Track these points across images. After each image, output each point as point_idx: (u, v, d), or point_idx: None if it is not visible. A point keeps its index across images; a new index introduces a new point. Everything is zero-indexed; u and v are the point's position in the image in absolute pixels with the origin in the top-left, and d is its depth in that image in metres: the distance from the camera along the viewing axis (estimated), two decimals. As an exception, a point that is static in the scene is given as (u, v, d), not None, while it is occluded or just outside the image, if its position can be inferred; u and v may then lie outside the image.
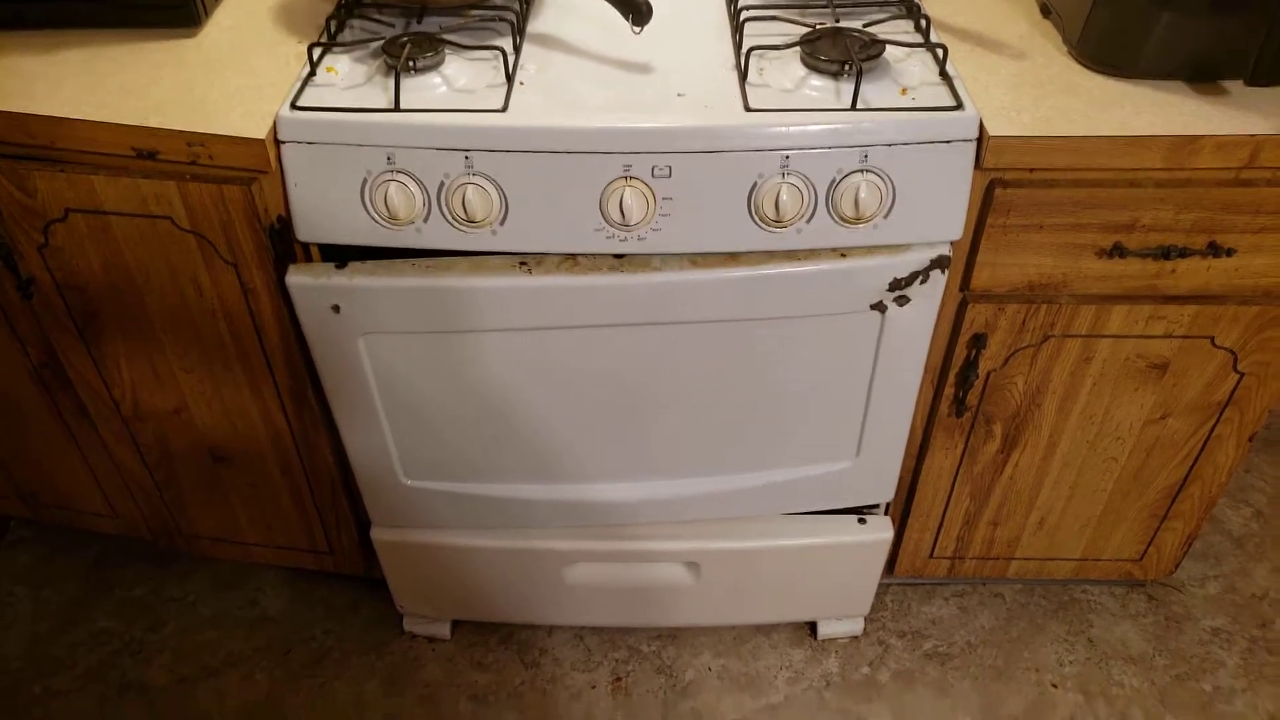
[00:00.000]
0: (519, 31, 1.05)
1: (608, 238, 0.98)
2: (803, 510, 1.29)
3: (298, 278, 1.00)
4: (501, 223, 0.97)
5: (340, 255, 1.02)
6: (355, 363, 1.07)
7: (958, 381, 1.13)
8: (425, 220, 0.97)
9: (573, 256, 1.01)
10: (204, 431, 1.22)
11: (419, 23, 1.06)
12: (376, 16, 1.07)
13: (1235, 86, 0.97)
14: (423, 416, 1.14)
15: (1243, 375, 1.11)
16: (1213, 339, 1.08)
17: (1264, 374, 1.11)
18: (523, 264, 1.01)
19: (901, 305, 1.03)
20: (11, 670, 1.44)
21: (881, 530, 1.30)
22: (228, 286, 1.05)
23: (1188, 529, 1.32)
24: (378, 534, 1.30)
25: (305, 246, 1.02)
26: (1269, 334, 1.07)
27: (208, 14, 1.10)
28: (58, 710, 1.39)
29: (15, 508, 1.46)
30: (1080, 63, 1.02)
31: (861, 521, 1.30)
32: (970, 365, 1.11)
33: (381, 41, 1.01)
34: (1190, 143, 0.93)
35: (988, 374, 1.12)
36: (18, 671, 1.44)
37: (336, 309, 1.02)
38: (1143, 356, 1.10)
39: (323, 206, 0.97)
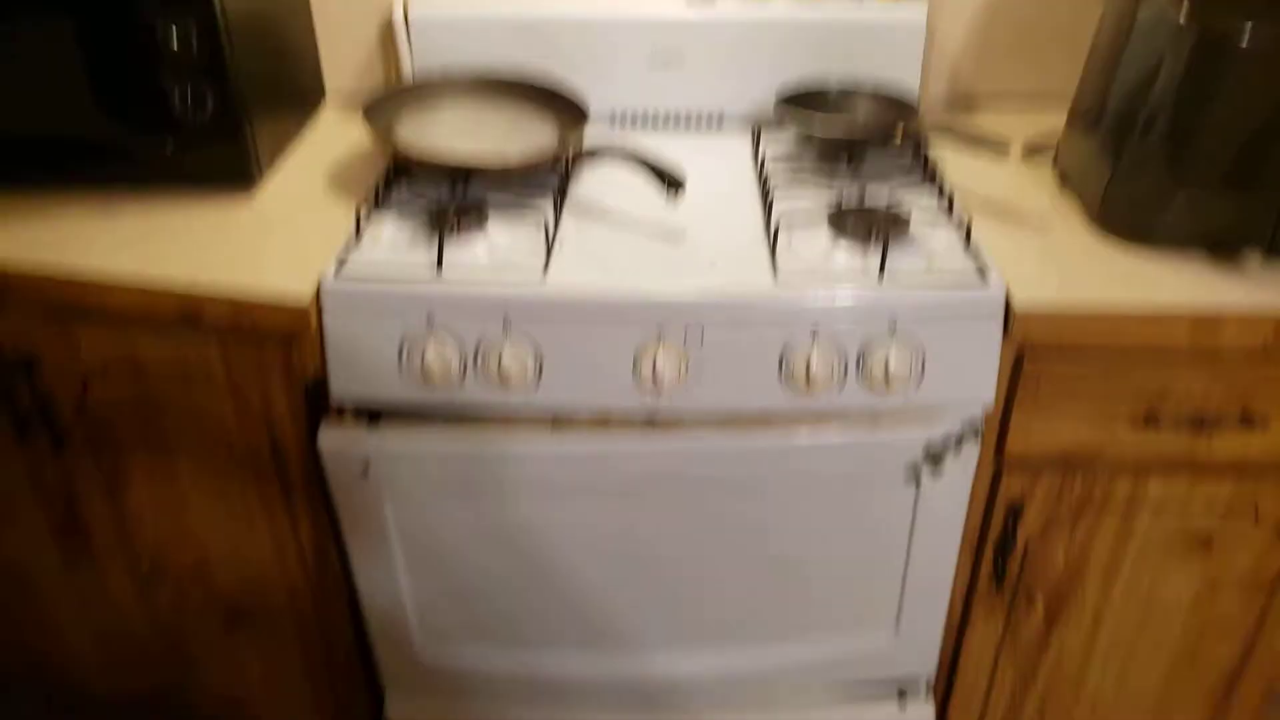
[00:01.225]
0: (560, 199, 1.13)
1: (640, 399, 1.02)
2: (841, 682, 1.26)
3: (330, 438, 1.04)
4: (536, 384, 1.01)
5: (372, 413, 1.06)
6: (381, 524, 1.09)
7: (996, 552, 1.14)
8: (460, 382, 1.01)
9: (604, 418, 1.05)
10: (220, 590, 1.23)
11: (465, 189, 1.14)
12: (423, 183, 1.15)
13: (1254, 258, 1.02)
14: (446, 579, 1.14)
15: (1291, 550, 1.13)
16: (1256, 513, 1.09)
17: (1313, 549, 1.13)
18: (554, 424, 1.05)
19: (936, 473, 1.05)
20: None
21: (922, 713, 1.27)
22: (259, 443, 1.08)
23: (1251, 714, 1.29)
24: (393, 707, 1.27)
25: (339, 406, 1.06)
26: (1314, 508, 1.09)
27: (264, 176, 1.18)
28: None
29: (12, 667, 1.46)
30: (1100, 234, 1.08)
31: (901, 705, 1.27)
32: (1009, 535, 1.12)
33: (427, 206, 1.09)
34: (1214, 320, 0.97)
35: (1026, 544, 1.13)
36: None
37: (365, 470, 1.05)
38: (1185, 530, 1.11)
39: (359, 367, 1.02)
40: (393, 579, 1.14)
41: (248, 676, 1.33)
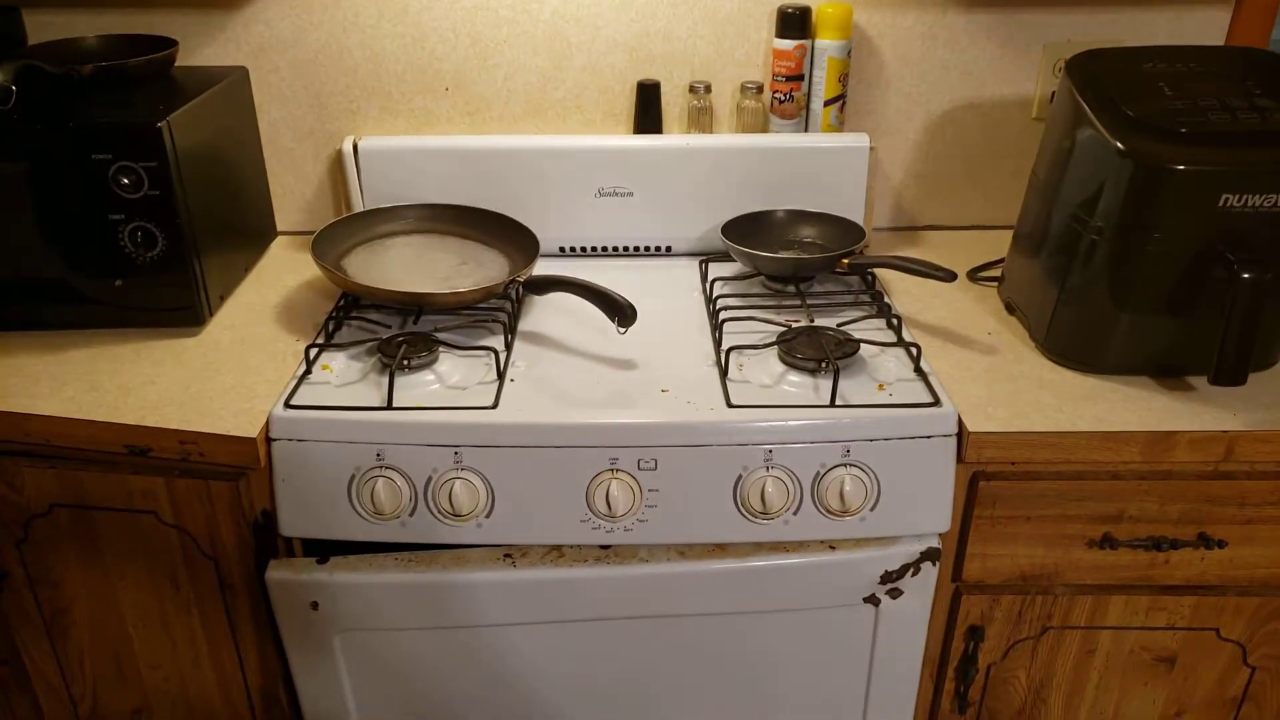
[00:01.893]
0: (511, 330, 1.11)
1: (594, 529, 0.99)
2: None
3: (278, 573, 1.00)
4: (487, 515, 0.99)
5: (322, 547, 1.03)
6: (330, 659, 1.05)
7: (957, 676, 1.11)
8: (411, 514, 0.99)
9: (558, 548, 1.02)
10: (164, 731, 1.18)
11: (415, 322, 1.13)
12: (374, 316, 1.14)
13: (1201, 381, 1.02)
14: (395, 713, 1.09)
15: (1254, 669, 1.09)
16: (1218, 631, 1.07)
17: (1277, 668, 1.09)
18: (507, 556, 1.01)
19: (894, 598, 1.03)
20: None
21: (890, 839, 1.22)
22: (205, 581, 1.05)
23: (1222, 832, 1.25)
24: (343, 846, 1.22)
25: (288, 540, 1.03)
26: (1274, 626, 1.06)
27: (212, 313, 1.17)
28: None
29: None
30: (1049, 358, 1.08)
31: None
32: (969, 658, 1.09)
33: (378, 340, 1.07)
34: (1166, 438, 0.96)
35: (988, 667, 1.10)
36: None
37: (315, 605, 1.01)
38: (1148, 649, 1.09)
39: (309, 501, 0.99)
40: (342, 711, 1.09)
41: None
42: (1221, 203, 0.93)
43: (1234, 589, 1.05)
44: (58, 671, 1.14)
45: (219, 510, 1.00)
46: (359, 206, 1.32)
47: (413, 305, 1.12)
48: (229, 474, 0.98)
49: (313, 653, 1.05)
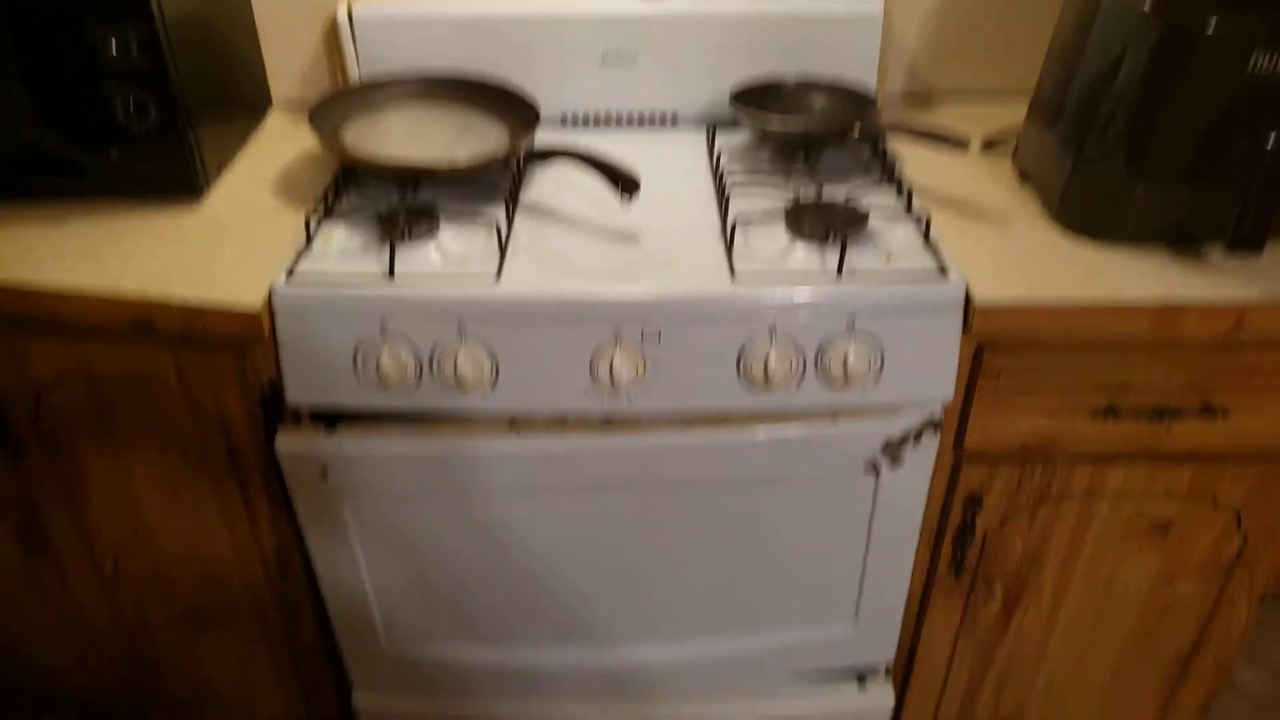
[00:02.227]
0: (512, 202, 1.09)
1: (597, 400, 0.99)
2: (801, 671, 1.26)
3: (287, 442, 1.01)
4: (492, 386, 0.98)
5: (329, 416, 1.03)
6: (341, 526, 1.07)
7: (955, 542, 1.12)
8: (416, 385, 0.99)
9: (562, 418, 1.02)
10: (184, 592, 1.21)
11: (415, 193, 1.10)
12: (374, 187, 1.12)
13: (1215, 252, 1.00)
14: (409, 578, 1.13)
15: (1248, 535, 1.11)
16: (1215, 499, 1.08)
17: (1270, 534, 1.11)
18: (512, 425, 1.02)
19: (895, 467, 1.03)
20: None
21: (882, 697, 1.26)
22: (216, 450, 1.06)
23: (1203, 693, 1.29)
24: (360, 699, 1.27)
25: (295, 409, 1.03)
26: (1271, 493, 1.07)
27: (210, 185, 1.14)
28: None
29: (-11, 669, 1.43)
30: (1061, 229, 1.05)
31: (861, 687, 1.27)
32: (967, 526, 1.10)
33: (378, 211, 1.05)
34: (1177, 310, 0.94)
35: (985, 535, 1.12)
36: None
37: (324, 473, 1.03)
38: (1144, 516, 1.10)
39: (314, 372, 0.99)
40: (356, 577, 1.13)
41: (215, 674, 1.32)
42: (1251, 65, 0.89)
43: (1233, 458, 1.05)
44: (78, 535, 1.17)
45: (226, 382, 1.00)
46: (355, 76, 1.28)
47: (412, 176, 1.09)
48: (234, 346, 0.98)
49: (324, 519, 1.07)
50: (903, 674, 1.29)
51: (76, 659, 1.35)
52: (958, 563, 1.14)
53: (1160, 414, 1.02)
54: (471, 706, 1.26)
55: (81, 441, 1.08)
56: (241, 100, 1.29)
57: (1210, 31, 0.89)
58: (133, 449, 1.07)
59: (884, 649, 1.22)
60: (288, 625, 1.23)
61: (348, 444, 1.01)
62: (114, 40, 1.01)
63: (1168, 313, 0.94)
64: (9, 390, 1.04)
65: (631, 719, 1.27)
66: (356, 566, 1.11)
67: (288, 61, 1.36)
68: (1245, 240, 0.93)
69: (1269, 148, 0.88)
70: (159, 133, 1.06)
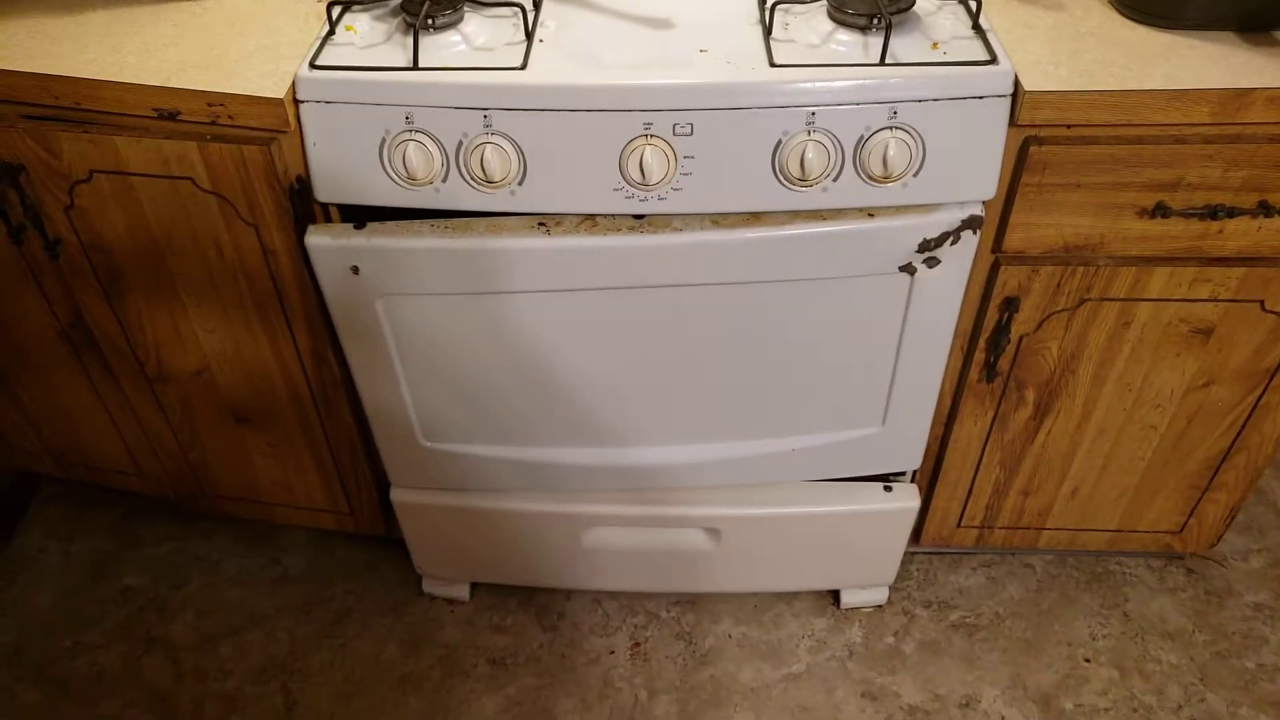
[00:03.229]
0: (538, -14, 1.05)
1: (627, 198, 0.98)
2: (828, 477, 1.29)
3: (317, 238, 1.02)
4: (520, 183, 0.98)
5: (359, 215, 1.04)
6: (374, 324, 1.09)
7: (989, 346, 1.12)
8: (444, 180, 0.98)
9: (592, 217, 1.02)
10: (225, 392, 1.25)
11: (438, -22, 1.06)
12: (395, -28, 1.08)
13: (1288, 36, 0.95)
14: (441, 378, 1.16)
15: (1292, 341, 1.09)
16: (1262, 303, 1.06)
17: (1314, 341, 1.09)
18: (541, 224, 1.02)
19: (931, 267, 1.02)
20: (44, 622, 1.51)
21: (908, 499, 1.30)
22: (248, 247, 1.07)
23: (1231, 500, 1.31)
24: (397, 495, 1.33)
25: (325, 207, 1.04)
26: (1322, 298, 1.05)
27: (227, -30, 1.11)
28: (85, 663, 1.45)
29: (46, 466, 1.51)
30: (1123, 14, 1.00)
31: (887, 489, 1.31)
32: (1002, 329, 1.10)
33: (401, 0, 1.02)
34: (1241, 96, 0.91)
35: (1020, 338, 1.11)
36: (49, 624, 1.50)
37: (356, 270, 1.04)
38: (1185, 321, 1.09)
39: (341, 166, 0.99)
40: (390, 376, 1.16)
41: (261, 471, 1.38)
42: None
43: (1286, 261, 1.03)
44: (122, 334, 1.21)
45: (254, 176, 1.00)
46: None
47: (435, -42, 1.05)
48: (260, 138, 0.98)
49: (356, 317, 1.09)
50: (929, 479, 1.32)
51: (130, 452, 1.42)
52: (990, 368, 1.15)
53: (1213, 213, 0.99)
54: (504, 502, 1.32)
55: (116, 239, 1.09)
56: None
57: None
58: (166, 247, 1.09)
59: (912, 454, 1.25)
60: (327, 424, 1.27)
61: (378, 240, 1.02)
62: None
63: (1231, 99, 0.91)
64: (43, 184, 1.05)
65: (657, 515, 1.32)
66: (390, 365, 1.14)
67: None
68: (1322, 21, 0.88)
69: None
70: (172, -88, 1.02)
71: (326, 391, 1.22)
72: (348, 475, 1.35)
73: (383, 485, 1.36)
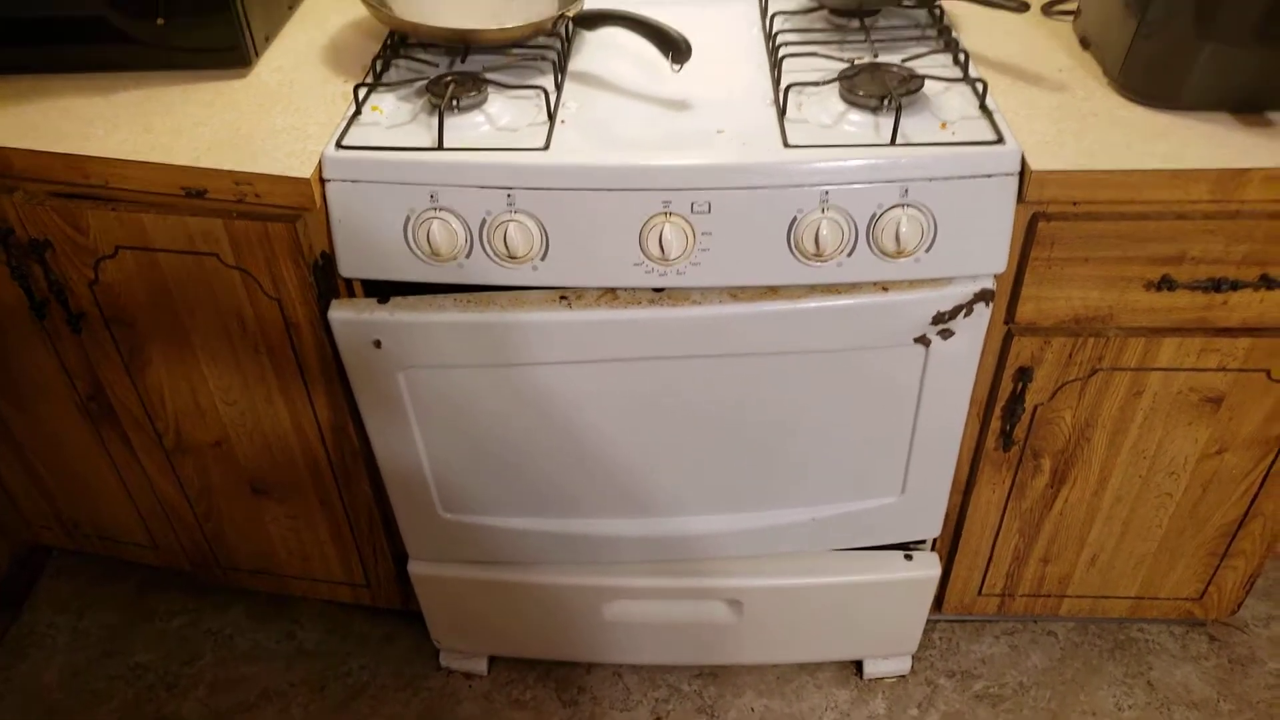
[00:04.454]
0: (560, 70, 1.12)
1: (647, 272, 1.03)
2: (849, 546, 1.33)
3: (340, 313, 1.07)
4: (542, 258, 1.03)
5: (382, 289, 1.09)
6: (395, 397, 1.14)
7: (1004, 415, 1.17)
8: (467, 256, 1.03)
9: (612, 290, 1.07)
10: (244, 464, 1.30)
11: (463, 62, 1.13)
12: (421, 56, 1.15)
13: (1281, 118, 1.02)
14: (462, 449, 1.20)
15: (1301, 409, 1.15)
16: (1269, 372, 1.11)
17: (1323, 408, 1.15)
18: (563, 298, 1.07)
19: (945, 339, 1.08)
20: (51, 701, 1.52)
21: (929, 567, 1.34)
22: (271, 321, 1.12)
23: (1250, 567, 1.34)
24: (415, 567, 1.36)
25: (348, 281, 1.09)
26: (1326, 367, 1.11)
27: (258, 55, 1.18)
28: (95, 743, 1.47)
29: (58, 538, 1.55)
30: (1122, 95, 1.06)
31: (908, 558, 1.34)
32: (1017, 399, 1.15)
33: (426, 81, 1.08)
34: (1238, 175, 0.96)
35: (1035, 408, 1.16)
36: (57, 702, 1.52)
37: (378, 344, 1.09)
38: (1196, 390, 1.14)
39: (366, 243, 1.04)
40: (410, 447, 1.20)
41: (277, 543, 1.42)
42: (1330, -86, 0.89)
43: (1291, 330, 1.08)
44: (141, 406, 1.25)
45: (279, 252, 1.06)
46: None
47: (460, 43, 1.12)
48: (286, 215, 1.03)
49: (378, 389, 1.14)
50: (949, 547, 1.36)
51: (144, 523, 1.46)
52: (1006, 436, 1.19)
53: (1217, 285, 1.04)
54: (523, 575, 1.35)
55: (139, 313, 1.15)
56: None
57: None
58: (190, 322, 1.14)
59: (931, 522, 1.29)
60: (345, 495, 1.31)
61: (401, 314, 1.07)
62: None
63: (1229, 178, 0.96)
64: (68, 260, 1.11)
65: (679, 587, 1.35)
66: (410, 436, 1.18)
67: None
68: (1315, 103, 0.95)
69: (1345, 4, 0.90)
70: (206, 1, 1.09)
71: (345, 463, 1.27)
72: (365, 547, 1.39)
73: (400, 557, 1.39)
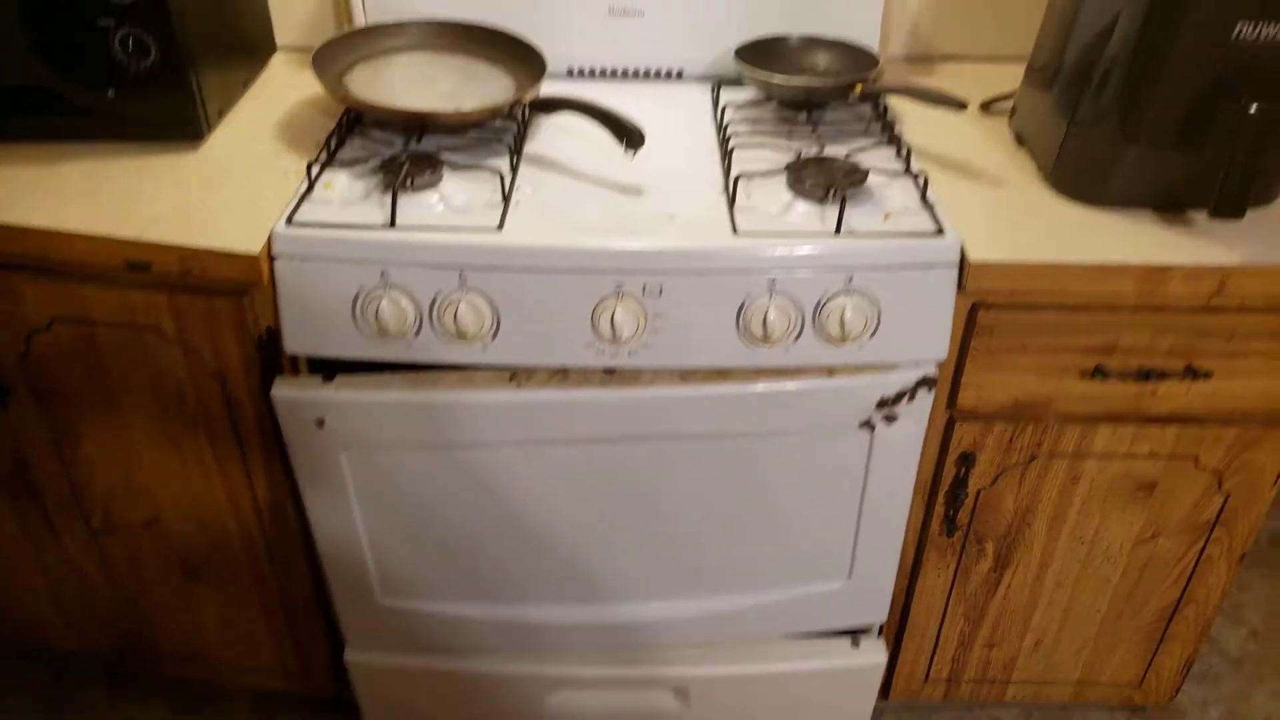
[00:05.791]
0: (516, 152, 1.16)
1: (598, 353, 1.06)
2: (796, 631, 1.35)
3: (284, 391, 1.08)
4: (493, 337, 1.05)
5: (327, 366, 1.10)
6: (337, 477, 1.14)
7: (948, 500, 1.21)
8: (416, 334, 1.05)
9: (563, 370, 1.09)
10: (176, 544, 1.27)
11: (418, 142, 1.17)
12: (377, 135, 1.18)
13: (1200, 217, 1.09)
14: (403, 531, 1.20)
15: (1228, 496, 1.20)
16: (1196, 459, 1.18)
17: (1248, 495, 1.21)
18: (512, 378, 1.09)
19: (889, 423, 1.12)
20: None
21: (875, 654, 1.36)
22: (212, 397, 1.12)
23: (1185, 651, 1.39)
24: (352, 655, 1.34)
25: (293, 358, 1.10)
26: (1249, 455, 1.17)
27: (211, 128, 1.20)
28: None
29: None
30: (1055, 190, 1.13)
31: (855, 644, 1.36)
32: (960, 483, 1.20)
33: (381, 159, 1.11)
34: (1161, 272, 1.03)
35: (978, 492, 1.21)
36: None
37: (321, 423, 1.09)
38: (1129, 476, 1.19)
39: (313, 320, 1.05)
40: (350, 529, 1.19)
41: (207, 628, 1.38)
42: (1236, 33, 0.97)
43: (1215, 420, 1.15)
44: (67, 484, 1.23)
45: (223, 327, 1.06)
46: (361, 21, 1.33)
47: (416, 124, 1.16)
48: (232, 291, 1.04)
49: (319, 469, 1.13)
50: (895, 632, 1.38)
51: (64, 611, 1.41)
52: (950, 521, 1.23)
53: (1146, 375, 1.10)
54: (463, 663, 1.33)
55: (72, 387, 1.13)
56: (245, 43, 1.34)
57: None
58: (126, 396, 1.13)
59: (878, 606, 1.31)
60: (281, 578, 1.29)
61: (345, 393, 1.07)
62: (114, -26, 1.05)
63: (1152, 275, 1.03)
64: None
65: (625, 676, 1.35)
66: (351, 518, 1.18)
67: (293, 6, 1.42)
68: (1227, 206, 1.01)
69: (1252, 115, 0.97)
70: (159, 73, 1.11)
71: (283, 544, 1.25)
72: (300, 633, 1.36)
73: (337, 644, 1.36)
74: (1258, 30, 0.97)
